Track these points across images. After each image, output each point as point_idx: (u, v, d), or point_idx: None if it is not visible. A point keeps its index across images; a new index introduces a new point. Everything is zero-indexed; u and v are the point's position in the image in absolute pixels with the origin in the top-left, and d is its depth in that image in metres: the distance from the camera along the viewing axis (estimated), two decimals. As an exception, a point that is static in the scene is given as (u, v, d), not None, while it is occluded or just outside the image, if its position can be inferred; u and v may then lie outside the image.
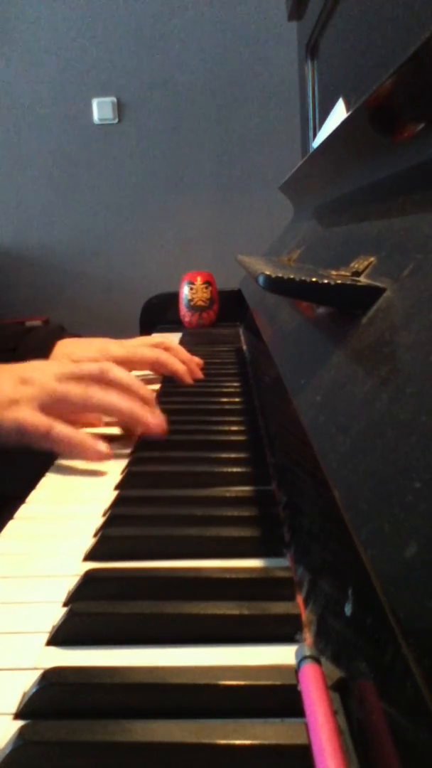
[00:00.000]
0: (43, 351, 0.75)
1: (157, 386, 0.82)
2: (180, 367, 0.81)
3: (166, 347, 0.83)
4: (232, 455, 0.55)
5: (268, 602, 0.32)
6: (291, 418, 0.40)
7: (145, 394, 0.63)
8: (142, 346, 0.82)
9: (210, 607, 0.32)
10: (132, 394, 0.61)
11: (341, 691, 0.26)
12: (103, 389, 0.59)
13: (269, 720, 0.25)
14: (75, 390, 0.58)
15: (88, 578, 0.35)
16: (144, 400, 0.62)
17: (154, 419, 0.59)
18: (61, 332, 0.83)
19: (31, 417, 0.55)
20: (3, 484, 0.61)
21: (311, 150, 0.77)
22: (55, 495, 0.51)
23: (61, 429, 0.55)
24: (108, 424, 0.65)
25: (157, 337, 0.85)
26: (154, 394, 0.65)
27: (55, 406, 0.57)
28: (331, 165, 0.64)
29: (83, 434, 0.56)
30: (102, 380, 0.61)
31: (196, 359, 0.87)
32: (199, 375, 0.84)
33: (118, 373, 0.62)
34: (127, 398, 0.60)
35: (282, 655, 0.29)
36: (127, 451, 0.59)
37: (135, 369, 0.80)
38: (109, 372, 0.61)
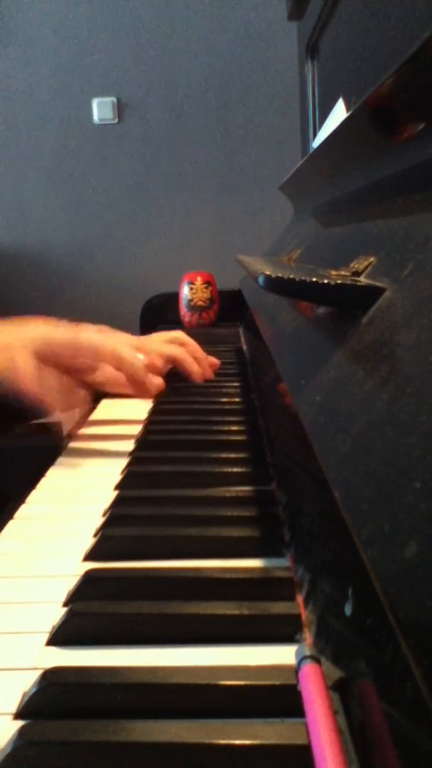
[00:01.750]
0: None
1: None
2: (194, 369, 0.79)
3: (182, 343, 0.81)
4: (232, 455, 0.55)
5: (268, 602, 0.32)
6: (291, 418, 0.40)
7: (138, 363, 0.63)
8: (158, 342, 0.80)
9: (210, 607, 0.32)
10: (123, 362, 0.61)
11: (341, 691, 0.26)
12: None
13: (269, 720, 0.25)
14: (65, 332, 0.58)
15: (88, 578, 0.35)
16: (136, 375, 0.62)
17: (141, 363, 0.60)
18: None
19: (20, 361, 0.55)
20: (3, 484, 0.61)
21: (311, 150, 0.77)
22: (55, 495, 0.51)
23: (50, 381, 0.55)
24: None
25: (173, 334, 0.82)
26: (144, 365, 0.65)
27: (47, 350, 0.57)
28: (331, 165, 0.64)
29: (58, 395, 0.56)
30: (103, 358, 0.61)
31: (212, 359, 0.85)
32: (211, 376, 0.82)
33: (124, 350, 0.61)
34: (112, 337, 0.59)
35: (282, 655, 0.29)
36: (127, 451, 0.59)
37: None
38: (112, 348, 0.61)
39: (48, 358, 0.57)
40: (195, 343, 0.84)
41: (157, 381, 0.64)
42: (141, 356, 0.65)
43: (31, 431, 0.77)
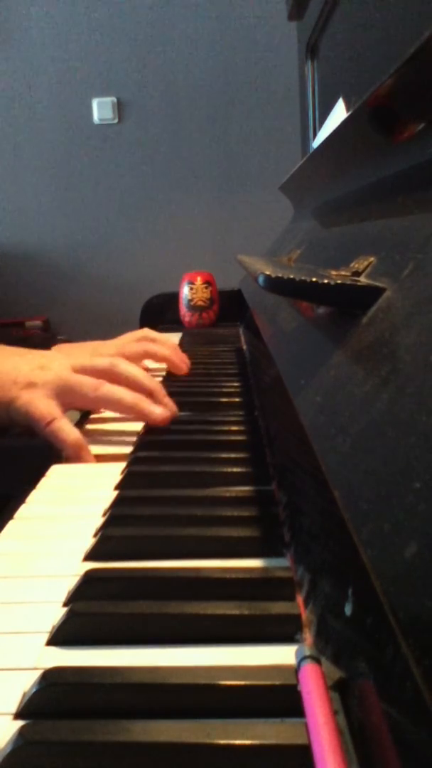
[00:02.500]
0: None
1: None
2: (168, 354, 0.83)
3: (152, 339, 0.84)
4: (232, 455, 0.55)
5: (268, 602, 0.32)
6: (291, 418, 0.40)
7: (152, 385, 0.65)
8: (129, 342, 0.83)
9: (210, 607, 0.32)
10: (139, 386, 0.64)
11: (341, 691, 0.26)
12: (112, 383, 0.62)
13: (269, 720, 0.25)
14: (87, 381, 0.61)
15: (88, 578, 0.35)
16: (151, 392, 0.64)
17: (158, 412, 0.62)
18: (51, 340, 0.85)
19: (40, 402, 0.58)
20: (3, 484, 0.61)
21: (311, 150, 0.77)
22: (55, 495, 0.51)
23: (60, 424, 0.58)
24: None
25: (140, 332, 0.86)
26: (161, 385, 0.67)
27: (68, 395, 0.60)
28: (331, 165, 0.64)
29: (79, 437, 0.58)
30: (112, 374, 0.64)
31: (182, 355, 0.87)
32: (185, 367, 0.86)
33: (126, 367, 0.65)
34: (133, 392, 0.62)
35: (282, 655, 0.29)
36: (127, 451, 0.59)
37: None
38: (117, 366, 0.64)
39: (68, 402, 0.61)
40: (163, 336, 0.87)
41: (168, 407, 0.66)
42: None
43: (31, 431, 0.78)
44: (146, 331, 0.85)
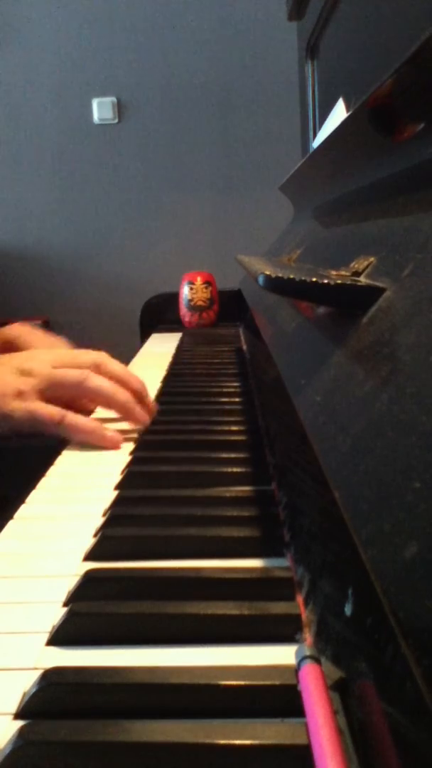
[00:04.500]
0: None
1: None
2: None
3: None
4: (232, 455, 0.55)
5: (268, 602, 0.32)
6: (291, 418, 0.40)
7: (138, 386, 0.65)
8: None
9: (210, 607, 0.32)
10: (124, 383, 0.63)
11: (341, 691, 0.26)
12: (99, 376, 0.62)
13: (269, 720, 0.25)
14: (71, 373, 0.61)
15: (88, 578, 0.35)
16: (136, 393, 0.64)
17: (143, 416, 0.62)
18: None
19: (42, 407, 0.58)
20: (3, 484, 0.61)
21: (311, 150, 0.77)
22: (55, 495, 0.51)
23: (74, 417, 0.59)
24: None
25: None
26: (144, 384, 0.66)
27: (57, 390, 0.60)
28: (331, 165, 0.64)
29: (95, 422, 0.59)
30: (96, 371, 0.62)
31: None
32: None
33: (113, 365, 0.64)
34: (123, 389, 0.62)
35: (282, 655, 0.29)
36: (127, 451, 0.59)
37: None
38: (103, 364, 0.63)
39: (59, 396, 0.61)
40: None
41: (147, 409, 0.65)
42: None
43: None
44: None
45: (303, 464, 0.41)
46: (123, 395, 0.62)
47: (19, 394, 0.59)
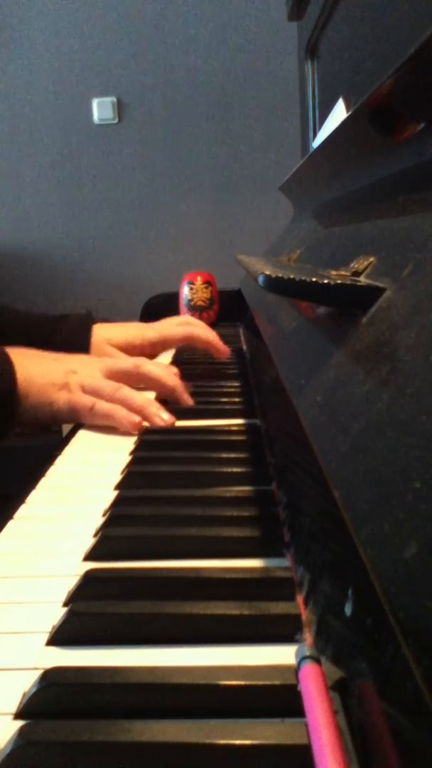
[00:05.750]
0: (79, 337, 0.86)
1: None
2: (211, 336, 0.91)
3: (193, 324, 0.93)
4: (232, 455, 0.55)
5: (268, 602, 0.32)
6: (291, 418, 0.40)
7: (173, 383, 0.73)
8: (171, 326, 0.92)
9: (210, 607, 0.32)
10: (160, 385, 0.73)
11: (341, 691, 0.26)
12: (131, 387, 0.69)
13: (269, 720, 0.25)
14: (108, 385, 0.68)
15: (88, 578, 0.35)
16: (173, 389, 0.73)
17: (161, 420, 0.67)
18: (89, 317, 0.94)
19: (78, 397, 0.67)
20: (3, 484, 0.62)
21: (311, 150, 0.77)
22: (55, 495, 0.51)
23: (102, 405, 0.66)
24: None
25: (179, 318, 0.96)
26: (181, 382, 0.74)
27: (93, 395, 0.68)
28: (331, 165, 0.64)
29: (119, 408, 0.66)
30: (137, 375, 0.72)
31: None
32: (226, 350, 0.92)
33: (149, 368, 0.73)
34: (143, 396, 0.68)
35: (282, 655, 0.29)
36: (127, 451, 0.59)
37: (168, 348, 0.94)
38: (140, 367, 0.73)
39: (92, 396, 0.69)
40: (201, 322, 0.95)
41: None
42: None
43: (31, 431, 0.79)
44: (187, 318, 0.97)
45: (303, 464, 0.41)
46: (173, 380, 0.73)
47: (64, 387, 0.67)
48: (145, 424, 0.65)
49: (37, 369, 0.68)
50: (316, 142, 0.83)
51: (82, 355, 0.78)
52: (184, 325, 0.92)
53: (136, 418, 0.65)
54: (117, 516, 0.44)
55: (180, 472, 0.52)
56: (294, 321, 0.50)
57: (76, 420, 0.68)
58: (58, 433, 0.77)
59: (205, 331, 0.92)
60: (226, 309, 1.42)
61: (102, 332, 0.88)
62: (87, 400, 0.66)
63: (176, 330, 0.91)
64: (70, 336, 0.87)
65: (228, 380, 0.83)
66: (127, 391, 0.68)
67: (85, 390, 0.67)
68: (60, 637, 0.31)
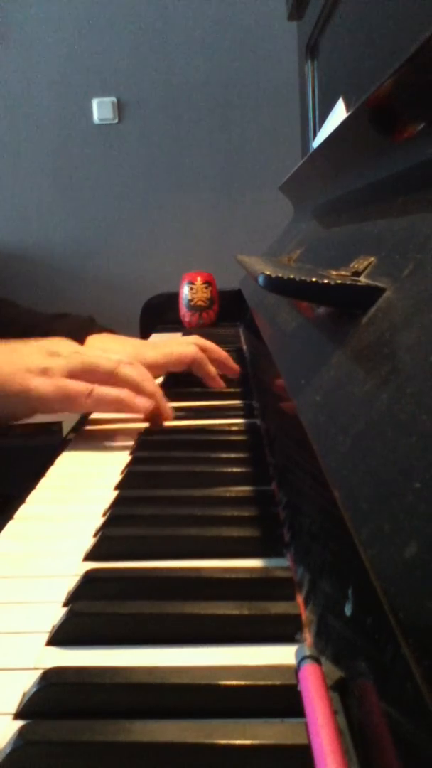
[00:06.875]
0: (75, 340, 0.75)
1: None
2: (212, 371, 0.79)
3: (203, 348, 0.79)
4: (232, 455, 0.55)
5: (268, 602, 0.32)
6: (291, 418, 0.40)
7: (152, 389, 0.65)
8: (178, 345, 0.80)
9: (210, 607, 0.32)
10: (139, 390, 0.63)
11: (341, 691, 0.26)
12: (114, 385, 0.62)
13: (269, 720, 0.25)
14: (104, 359, 0.62)
15: (88, 578, 0.35)
16: (152, 394, 0.64)
17: (140, 403, 0.62)
18: (92, 323, 0.87)
19: (71, 382, 0.60)
20: (3, 484, 0.61)
21: (311, 150, 0.77)
22: (55, 495, 0.51)
23: (101, 389, 0.60)
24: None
25: (191, 338, 0.83)
26: (160, 389, 0.67)
27: (83, 375, 0.61)
28: (331, 165, 0.64)
29: (122, 390, 0.61)
30: (114, 376, 0.63)
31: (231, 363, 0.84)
32: (234, 372, 0.83)
33: (127, 371, 0.64)
34: (119, 388, 0.62)
35: (282, 655, 0.29)
36: (127, 451, 0.59)
37: (170, 371, 0.81)
38: (118, 369, 0.63)
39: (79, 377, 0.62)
40: (214, 345, 0.82)
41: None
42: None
43: (31, 431, 0.78)
44: (197, 338, 0.83)
45: (303, 464, 0.41)
46: (152, 385, 0.64)
47: (44, 372, 0.59)
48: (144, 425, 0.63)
49: (4, 358, 0.60)
50: (316, 142, 0.83)
51: (60, 339, 0.69)
52: (193, 348, 0.79)
53: (148, 401, 0.60)
54: (117, 516, 0.44)
55: (180, 472, 0.52)
56: (294, 321, 0.50)
57: (69, 409, 0.61)
58: (58, 434, 0.76)
59: (209, 365, 0.79)
60: (226, 309, 1.41)
61: (96, 343, 0.80)
62: (81, 386, 0.60)
63: (184, 351, 0.79)
64: (65, 337, 0.80)
65: (228, 380, 0.83)
66: (129, 370, 0.62)
67: (73, 374, 0.61)
68: (60, 637, 0.31)
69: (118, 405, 0.61)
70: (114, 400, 0.60)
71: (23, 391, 0.59)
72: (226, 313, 1.42)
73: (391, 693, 0.21)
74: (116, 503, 0.47)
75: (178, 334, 1.27)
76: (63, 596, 0.35)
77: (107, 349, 0.75)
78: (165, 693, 0.27)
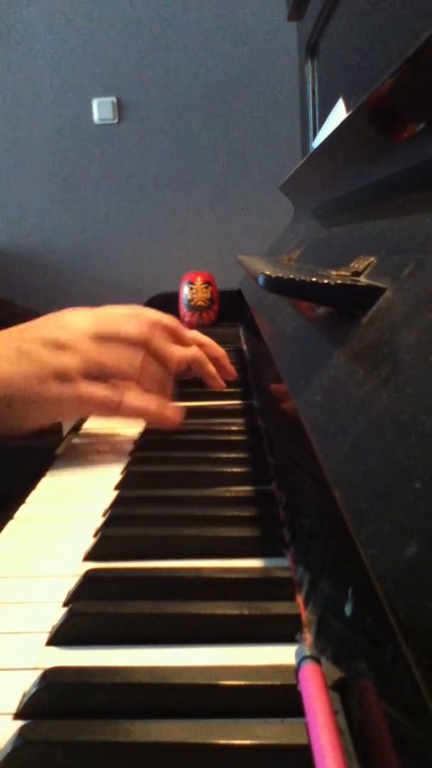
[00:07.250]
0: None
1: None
2: (212, 371, 0.70)
3: (200, 343, 0.70)
4: (232, 455, 0.55)
5: (268, 602, 0.32)
6: (291, 418, 0.40)
7: (213, 353, 0.64)
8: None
9: (210, 607, 0.32)
10: (170, 364, 0.59)
11: (341, 691, 0.26)
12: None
13: (269, 720, 0.25)
14: (124, 364, 0.54)
15: (88, 578, 0.35)
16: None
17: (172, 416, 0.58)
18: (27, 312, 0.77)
19: (97, 391, 0.52)
20: (3, 484, 0.61)
21: (311, 150, 0.77)
22: (55, 495, 0.51)
23: (131, 401, 0.54)
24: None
25: (191, 333, 0.74)
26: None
27: (100, 374, 0.54)
28: (331, 165, 0.64)
29: (153, 401, 0.55)
30: (146, 348, 0.56)
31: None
32: (231, 375, 0.73)
33: (160, 344, 0.57)
34: (150, 399, 0.56)
35: (282, 655, 0.29)
36: (127, 451, 0.59)
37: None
38: (151, 341, 0.56)
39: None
40: (212, 341, 0.73)
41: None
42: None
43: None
44: (195, 333, 0.71)
45: (303, 464, 0.41)
46: (155, 406, 0.56)
47: (59, 375, 0.50)
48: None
49: (12, 367, 0.50)
50: (316, 142, 0.83)
51: (61, 315, 0.58)
52: (193, 347, 0.69)
53: (174, 414, 0.54)
54: (117, 516, 0.44)
55: (180, 472, 0.52)
56: (294, 321, 0.50)
57: (89, 415, 0.55)
58: (58, 434, 0.76)
59: (209, 364, 0.70)
60: (226, 309, 1.41)
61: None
62: (108, 395, 0.51)
63: (183, 350, 0.68)
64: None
65: (228, 380, 0.83)
66: (133, 398, 0.54)
67: (92, 373, 0.51)
68: (60, 637, 0.31)
69: (150, 417, 0.54)
70: (147, 412, 0.54)
71: (39, 403, 0.51)
72: (226, 313, 1.41)
73: (391, 693, 0.21)
74: (116, 503, 0.47)
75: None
76: (63, 596, 0.35)
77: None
78: (165, 693, 0.27)
